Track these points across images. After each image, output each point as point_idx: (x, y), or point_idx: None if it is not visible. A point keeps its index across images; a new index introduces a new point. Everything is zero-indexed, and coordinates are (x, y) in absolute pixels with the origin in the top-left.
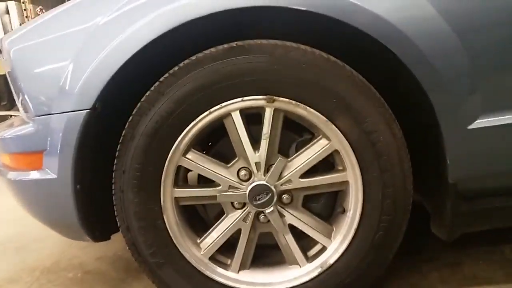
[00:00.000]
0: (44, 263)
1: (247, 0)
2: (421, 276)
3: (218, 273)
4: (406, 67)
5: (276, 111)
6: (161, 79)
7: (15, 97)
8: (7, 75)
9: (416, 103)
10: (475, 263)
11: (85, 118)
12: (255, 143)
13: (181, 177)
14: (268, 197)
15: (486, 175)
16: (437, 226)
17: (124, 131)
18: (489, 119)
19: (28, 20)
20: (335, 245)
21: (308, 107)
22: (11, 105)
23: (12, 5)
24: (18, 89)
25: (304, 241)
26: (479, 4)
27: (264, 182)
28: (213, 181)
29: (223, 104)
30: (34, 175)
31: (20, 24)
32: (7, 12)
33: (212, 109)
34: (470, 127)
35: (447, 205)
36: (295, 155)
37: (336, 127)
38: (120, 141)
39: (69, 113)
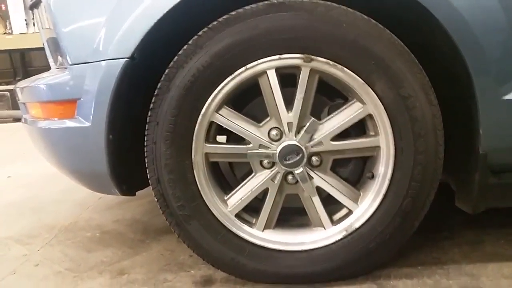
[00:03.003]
0: (62, 222)
1: None
2: (442, 251)
3: (244, 230)
4: (449, 36)
5: (311, 71)
6: (199, 33)
7: (47, 50)
8: (40, 30)
9: (452, 73)
10: (496, 242)
11: (123, 67)
12: (288, 104)
13: (212, 135)
14: (298, 157)
15: None
16: (462, 199)
17: (160, 83)
18: None
19: None
20: (361, 210)
21: (345, 68)
22: None
23: None
24: (55, 38)
25: (331, 206)
26: None
27: (295, 142)
28: (243, 140)
29: (260, 61)
30: (67, 123)
31: None
32: None
33: (248, 65)
34: (505, 97)
35: (476, 177)
36: (328, 117)
37: (373, 90)
38: (155, 93)
39: (108, 61)
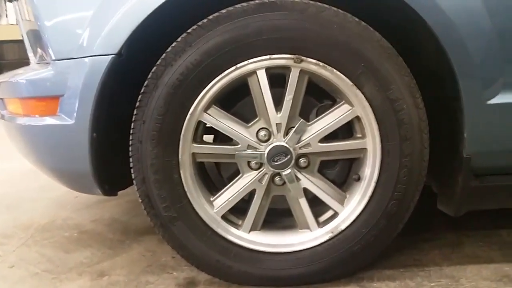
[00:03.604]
0: (38, 221)
1: None
2: (423, 253)
3: (230, 232)
4: (436, 38)
5: (301, 72)
6: (189, 30)
7: (26, 44)
8: (19, 22)
9: (438, 76)
10: (475, 244)
11: (110, 63)
12: (276, 105)
13: (199, 135)
14: (286, 159)
15: (500, 152)
16: (444, 202)
17: (147, 81)
18: (509, 95)
19: None
20: (347, 212)
21: (335, 70)
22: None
23: None
24: (37, 31)
25: (317, 208)
26: None
27: (283, 144)
28: (231, 140)
29: (250, 61)
30: (49, 120)
31: None
32: None
33: (238, 65)
34: (490, 102)
35: (459, 180)
36: (316, 119)
37: (361, 92)
38: (142, 90)
39: (93, 57)
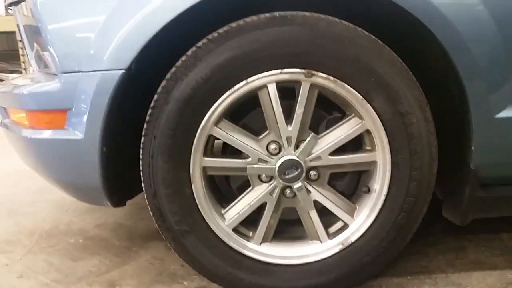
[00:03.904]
0: (41, 226)
1: None
2: (428, 259)
3: (241, 244)
4: (446, 51)
5: (312, 86)
6: (199, 44)
7: (28, 51)
8: (20, 28)
9: (448, 89)
10: (478, 249)
11: (120, 78)
12: (286, 117)
13: (209, 149)
14: (297, 172)
15: (506, 163)
16: (450, 210)
17: (157, 95)
18: None
19: None
20: (357, 224)
21: (345, 84)
22: None
23: None
24: (43, 43)
25: (326, 218)
26: None
27: (294, 157)
28: (241, 153)
29: (261, 75)
30: (56, 134)
31: None
32: None
33: (249, 79)
34: (498, 115)
35: (465, 191)
36: (326, 132)
37: (371, 106)
38: (152, 105)
39: (103, 72)
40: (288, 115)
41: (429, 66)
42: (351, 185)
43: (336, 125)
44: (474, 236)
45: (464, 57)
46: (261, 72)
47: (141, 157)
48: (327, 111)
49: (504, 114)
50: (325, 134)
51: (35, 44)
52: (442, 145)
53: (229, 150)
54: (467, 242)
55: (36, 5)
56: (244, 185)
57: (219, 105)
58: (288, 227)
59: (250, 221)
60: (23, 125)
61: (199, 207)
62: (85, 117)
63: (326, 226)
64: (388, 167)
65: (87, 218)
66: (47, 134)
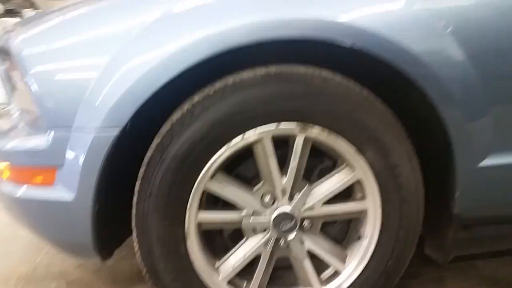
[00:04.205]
0: (17, 270)
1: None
2: None
3: None
4: (431, 102)
5: (306, 139)
6: (194, 101)
7: (7, 91)
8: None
9: (431, 136)
10: (455, 278)
11: (115, 137)
12: (280, 167)
13: (203, 200)
14: (291, 223)
15: (489, 206)
16: (433, 249)
17: (151, 153)
18: (500, 158)
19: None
20: (349, 270)
21: (339, 138)
22: None
23: None
24: (27, 96)
25: (318, 262)
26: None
27: (289, 210)
28: (234, 205)
29: (257, 130)
30: (44, 192)
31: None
32: None
33: (246, 134)
34: (482, 164)
35: (448, 233)
36: (319, 181)
37: (364, 158)
38: (146, 162)
39: (97, 129)
40: (282, 164)
41: (413, 112)
42: (342, 231)
43: (329, 175)
44: (450, 265)
45: (448, 104)
46: (258, 126)
47: (134, 215)
48: (318, 157)
49: (488, 162)
50: (318, 184)
51: (17, 93)
52: (426, 190)
53: (221, 201)
54: (443, 271)
55: (19, 54)
56: (236, 233)
57: (215, 160)
58: (280, 273)
59: (243, 270)
60: (6, 178)
61: (194, 263)
62: (77, 176)
63: (318, 271)
64: (379, 216)
65: (66, 258)
66: (33, 191)
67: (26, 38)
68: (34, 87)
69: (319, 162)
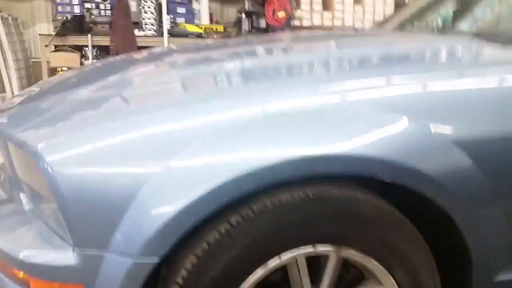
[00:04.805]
0: None
1: None
2: None
3: None
4: (455, 224)
5: (338, 258)
6: (232, 223)
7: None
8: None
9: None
10: None
11: (152, 266)
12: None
13: None
14: None
15: None
16: None
17: (186, 274)
18: None
19: None
20: None
21: (372, 258)
22: None
23: None
24: (53, 210)
25: None
26: None
27: None
28: None
29: (293, 251)
30: None
31: None
32: None
33: (282, 255)
34: (496, 279)
35: None
36: None
37: (393, 277)
38: (181, 284)
39: (135, 257)
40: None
41: (435, 228)
42: None
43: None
44: None
45: (470, 226)
46: (294, 248)
47: None
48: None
49: (502, 277)
50: None
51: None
52: None
53: None
54: None
55: (46, 163)
56: None
57: (250, 280)
58: None
59: None
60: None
61: None
62: None
63: None
64: None
65: None
66: None
67: (53, 143)
68: (63, 202)
69: (346, 271)
